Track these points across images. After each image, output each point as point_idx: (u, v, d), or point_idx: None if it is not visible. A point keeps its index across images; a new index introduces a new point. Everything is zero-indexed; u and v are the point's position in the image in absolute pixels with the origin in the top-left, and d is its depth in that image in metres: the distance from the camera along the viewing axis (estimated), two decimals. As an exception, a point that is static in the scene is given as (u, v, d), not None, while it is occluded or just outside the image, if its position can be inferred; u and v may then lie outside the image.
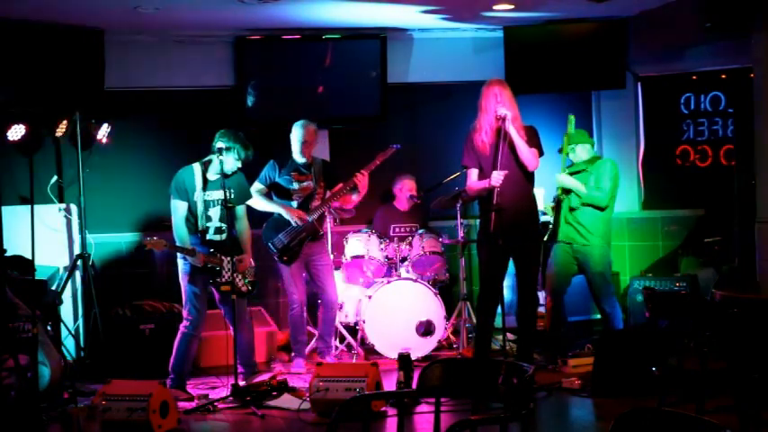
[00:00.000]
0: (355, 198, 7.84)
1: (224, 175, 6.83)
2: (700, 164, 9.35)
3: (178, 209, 6.93)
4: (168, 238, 6.90)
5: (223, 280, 6.89)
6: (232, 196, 6.93)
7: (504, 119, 6.48)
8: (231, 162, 6.90)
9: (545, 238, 7.69)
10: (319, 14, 8.37)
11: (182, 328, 6.98)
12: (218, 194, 6.89)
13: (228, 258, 6.86)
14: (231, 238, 6.91)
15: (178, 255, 6.95)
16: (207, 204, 6.93)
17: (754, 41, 7.29)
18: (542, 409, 6.41)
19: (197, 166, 6.97)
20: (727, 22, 7.64)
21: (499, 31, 9.06)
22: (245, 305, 7.27)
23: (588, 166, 7.60)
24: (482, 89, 6.72)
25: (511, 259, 6.82)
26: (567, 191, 7.57)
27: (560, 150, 7.74)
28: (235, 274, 6.89)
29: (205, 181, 6.94)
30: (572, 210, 7.54)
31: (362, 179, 7.64)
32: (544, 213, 7.94)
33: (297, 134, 7.70)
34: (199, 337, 7.13)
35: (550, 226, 7.75)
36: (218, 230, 6.97)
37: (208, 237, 6.95)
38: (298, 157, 7.72)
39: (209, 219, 6.94)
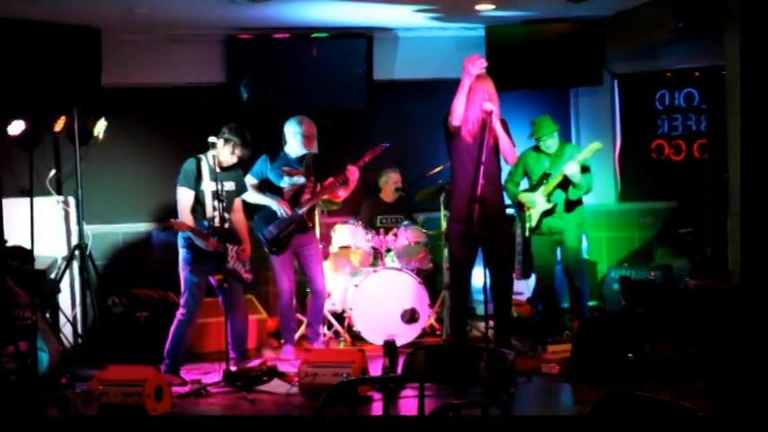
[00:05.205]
0: (343, 193, 7.87)
1: (222, 168, 7.00)
2: (674, 158, 9.47)
3: (184, 196, 7.03)
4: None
5: (229, 266, 7.01)
6: (233, 188, 7.12)
7: (490, 113, 6.68)
8: (228, 155, 7.04)
9: (526, 233, 7.84)
10: (308, 14, 8.44)
11: (178, 315, 7.05)
12: (224, 185, 6.99)
13: (232, 246, 7.04)
14: (225, 228, 7.00)
15: (180, 244, 7.04)
16: (213, 194, 6.98)
17: (726, 41, 7.43)
18: (522, 393, 6.33)
19: (203, 157, 7.09)
20: (699, 23, 7.78)
21: (481, 30, 9.09)
22: (242, 293, 7.36)
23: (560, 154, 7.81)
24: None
25: (482, 248, 6.99)
26: (564, 184, 7.68)
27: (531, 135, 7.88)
28: (238, 263, 7.09)
29: (211, 172, 7.05)
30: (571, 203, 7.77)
31: (353, 174, 7.71)
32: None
33: (299, 129, 7.73)
34: (194, 325, 7.20)
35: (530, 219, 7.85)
36: (223, 219, 7.05)
37: (215, 225, 7.00)
38: (295, 151, 7.77)
39: (214, 208, 6.98)
